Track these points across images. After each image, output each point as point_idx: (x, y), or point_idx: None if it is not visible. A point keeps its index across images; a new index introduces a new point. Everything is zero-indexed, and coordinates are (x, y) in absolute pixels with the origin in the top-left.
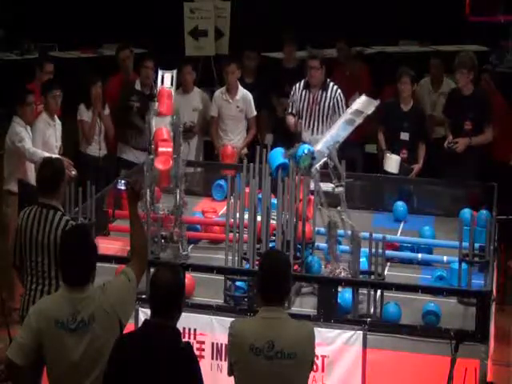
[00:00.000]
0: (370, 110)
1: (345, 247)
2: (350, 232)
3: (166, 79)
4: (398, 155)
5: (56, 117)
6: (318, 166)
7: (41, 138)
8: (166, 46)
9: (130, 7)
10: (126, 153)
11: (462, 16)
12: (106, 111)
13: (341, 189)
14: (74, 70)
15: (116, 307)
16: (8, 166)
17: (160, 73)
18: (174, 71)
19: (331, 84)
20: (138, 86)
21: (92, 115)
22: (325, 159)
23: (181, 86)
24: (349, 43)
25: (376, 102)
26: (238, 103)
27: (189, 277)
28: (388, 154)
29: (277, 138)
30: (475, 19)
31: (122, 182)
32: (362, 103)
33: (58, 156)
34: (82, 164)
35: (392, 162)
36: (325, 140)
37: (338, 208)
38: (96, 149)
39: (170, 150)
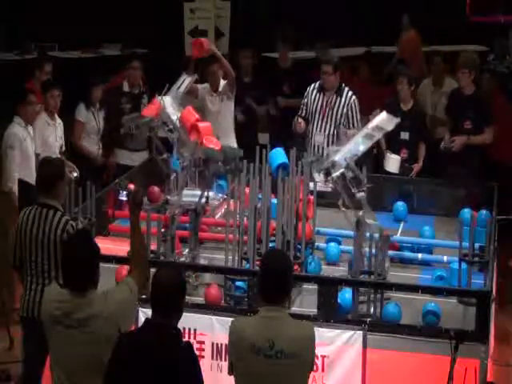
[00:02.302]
0: (390, 127)
1: (346, 247)
2: (377, 234)
3: (184, 84)
4: (398, 155)
5: (57, 116)
6: (335, 175)
7: (40, 138)
8: (166, 46)
9: (130, 7)
10: (121, 157)
11: (463, 16)
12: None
13: (362, 194)
14: (74, 70)
15: (116, 316)
16: (6, 165)
17: (183, 77)
18: (195, 76)
19: (346, 89)
20: (125, 88)
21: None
22: (342, 170)
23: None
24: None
25: (397, 120)
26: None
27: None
28: (388, 154)
29: (272, 137)
30: (476, 19)
31: (124, 192)
32: (383, 120)
33: (63, 155)
34: (81, 164)
35: (392, 162)
36: (342, 152)
37: (361, 212)
38: (96, 148)
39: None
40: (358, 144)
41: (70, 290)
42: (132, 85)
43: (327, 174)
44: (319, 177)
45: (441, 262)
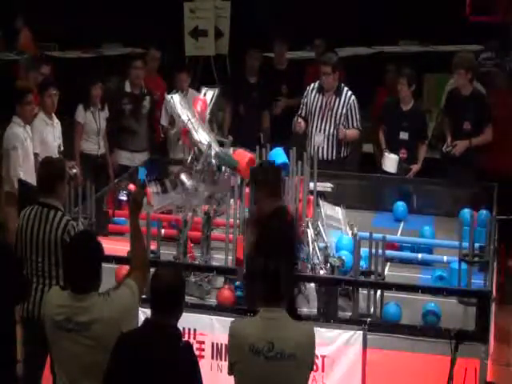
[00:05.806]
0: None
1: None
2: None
3: (208, 96)
4: (397, 155)
5: (54, 116)
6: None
7: (38, 137)
8: (166, 46)
9: (130, 7)
10: (120, 157)
11: (462, 16)
12: (106, 112)
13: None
14: (74, 70)
15: (118, 319)
16: (7, 166)
17: (203, 90)
18: (217, 89)
19: (345, 89)
20: (127, 88)
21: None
22: None
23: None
24: (327, 42)
25: None
26: None
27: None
28: (386, 154)
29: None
30: (475, 19)
31: (124, 192)
32: None
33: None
34: (81, 163)
35: (390, 162)
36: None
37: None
38: (95, 148)
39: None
40: None
41: (71, 292)
42: (134, 85)
43: None
44: None
45: (441, 261)
